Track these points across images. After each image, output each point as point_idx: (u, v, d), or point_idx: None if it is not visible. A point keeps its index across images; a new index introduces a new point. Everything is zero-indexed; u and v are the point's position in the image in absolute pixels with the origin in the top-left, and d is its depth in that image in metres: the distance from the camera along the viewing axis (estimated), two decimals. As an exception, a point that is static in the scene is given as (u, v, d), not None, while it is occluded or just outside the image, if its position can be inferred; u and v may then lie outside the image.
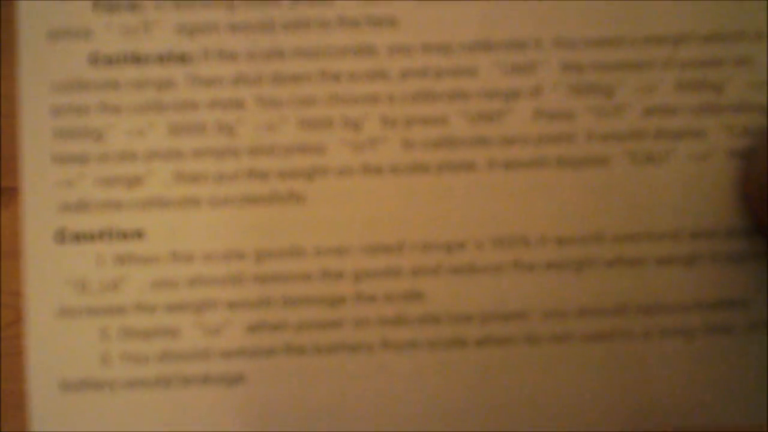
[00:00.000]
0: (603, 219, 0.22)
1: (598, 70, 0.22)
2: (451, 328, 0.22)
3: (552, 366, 0.22)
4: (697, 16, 0.22)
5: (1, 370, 0.23)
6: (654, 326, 0.22)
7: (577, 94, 0.22)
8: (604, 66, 0.22)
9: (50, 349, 0.21)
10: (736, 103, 0.22)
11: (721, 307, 0.22)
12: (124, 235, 0.21)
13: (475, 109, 0.22)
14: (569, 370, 0.22)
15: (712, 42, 0.22)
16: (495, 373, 0.22)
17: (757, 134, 0.22)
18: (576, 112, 0.22)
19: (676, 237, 0.22)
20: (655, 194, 0.22)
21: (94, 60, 0.21)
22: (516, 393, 0.22)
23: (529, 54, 0.22)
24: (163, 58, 0.22)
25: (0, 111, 0.23)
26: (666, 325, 0.22)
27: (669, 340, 0.22)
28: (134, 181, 0.21)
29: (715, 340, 0.22)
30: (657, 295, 0.22)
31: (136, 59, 0.21)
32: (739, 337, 0.22)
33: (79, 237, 0.21)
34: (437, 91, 0.22)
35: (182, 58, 0.22)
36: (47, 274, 0.21)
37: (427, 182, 0.22)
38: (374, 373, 0.22)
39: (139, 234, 0.22)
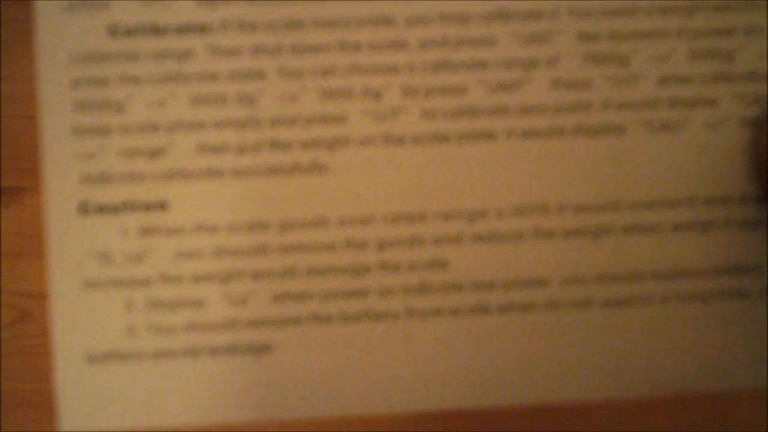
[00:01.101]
0: (620, 186, 0.24)
1: (613, 39, 0.23)
2: (474, 295, 0.23)
3: (572, 331, 0.23)
4: None
5: (2, 370, 0.24)
6: (671, 291, 0.24)
7: (593, 63, 0.23)
8: (619, 35, 0.24)
9: (75, 321, 0.23)
10: (747, 72, 0.24)
11: (735, 273, 0.24)
12: (147, 207, 0.23)
13: (494, 79, 0.23)
14: (589, 336, 0.24)
15: (723, 11, 0.24)
16: (517, 339, 0.23)
17: (766, 103, 0.24)
18: (592, 81, 0.23)
19: (691, 203, 0.24)
20: (670, 162, 0.24)
21: (113, 31, 0.23)
22: (538, 359, 0.23)
23: (546, 23, 0.23)
24: (182, 29, 0.23)
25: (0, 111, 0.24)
26: (682, 290, 0.24)
27: (685, 304, 0.24)
28: (156, 153, 0.23)
29: (730, 304, 0.24)
30: (673, 261, 0.24)
31: (156, 30, 0.23)
32: (752, 302, 0.24)
33: (102, 209, 0.23)
34: (456, 61, 0.23)
35: (202, 29, 0.23)
36: (71, 246, 0.22)
37: (448, 152, 0.23)
38: (399, 341, 0.23)
39: (162, 205, 0.23)
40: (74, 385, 0.23)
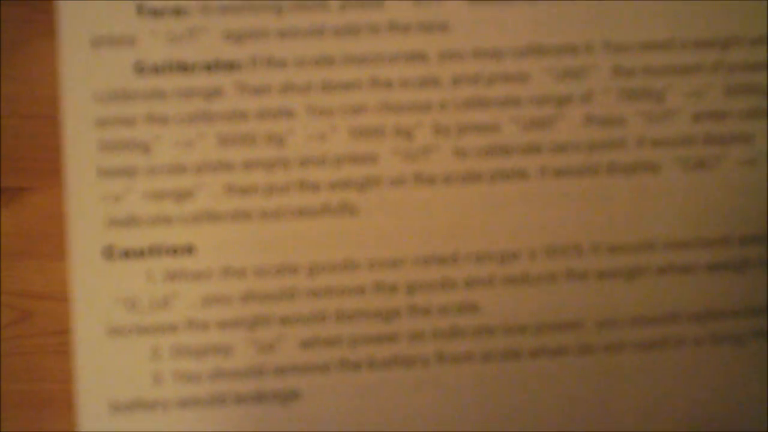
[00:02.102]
0: (654, 226, 0.26)
1: (648, 74, 0.26)
2: (506, 339, 0.25)
3: (606, 375, 0.26)
4: (746, 19, 0.26)
5: (2, 370, 0.26)
6: (705, 333, 0.26)
7: (628, 99, 0.25)
8: (654, 70, 0.26)
9: (100, 369, 0.24)
10: None
11: None
12: (174, 251, 0.24)
13: (527, 116, 0.25)
14: (623, 379, 0.26)
15: (759, 44, 0.26)
16: (550, 383, 0.26)
17: None
18: (626, 117, 0.25)
19: (726, 243, 0.26)
20: (704, 200, 0.26)
21: (140, 69, 0.24)
22: (571, 403, 0.26)
23: (580, 58, 0.25)
24: (210, 66, 0.24)
25: (0, 112, 0.26)
26: (717, 331, 0.26)
27: (720, 346, 0.26)
28: (183, 195, 0.24)
29: (765, 344, 0.26)
30: (707, 302, 0.26)
31: (183, 67, 0.24)
32: None
33: (128, 253, 0.24)
34: (489, 98, 0.25)
35: (230, 66, 0.25)
36: (95, 292, 0.24)
37: (480, 191, 0.25)
38: (430, 387, 0.25)
39: (189, 249, 0.25)
40: (99, 433, 0.24)
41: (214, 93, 0.25)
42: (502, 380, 0.26)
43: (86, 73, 0.24)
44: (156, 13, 0.25)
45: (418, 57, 0.25)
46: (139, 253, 0.25)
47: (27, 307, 0.26)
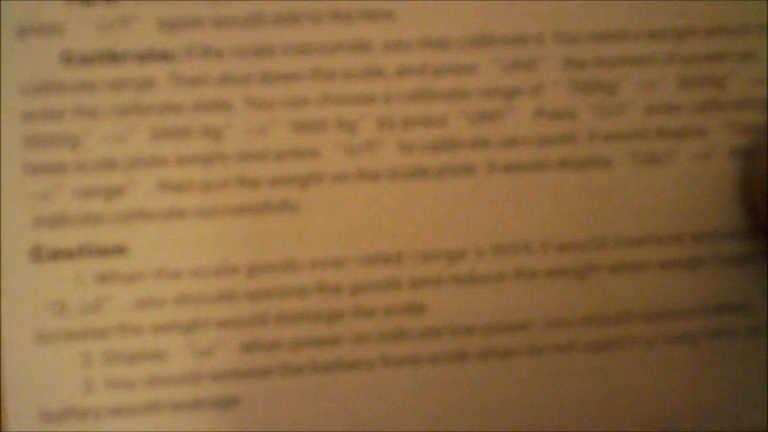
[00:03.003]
0: (605, 223, 0.27)
1: (600, 66, 0.27)
2: (453, 341, 0.27)
3: (555, 377, 0.27)
4: (700, 9, 0.27)
5: (1, 369, 0.26)
6: (657, 333, 0.28)
7: (579, 91, 0.27)
8: (606, 62, 0.27)
9: (29, 376, 0.25)
10: (738, 100, 0.28)
11: (724, 312, 0.28)
12: (105, 252, 0.25)
13: (475, 109, 0.27)
14: (573, 381, 0.27)
15: (715, 35, 0.28)
16: (498, 386, 0.27)
17: (759, 132, 0.28)
18: (578, 110, 0.27)
19: (679, 240, 0.28)
20: (657, 196, 0.27)
21: (68, 59, 0.25)
22: (519, 406, 0.27)
23: (530, 49, 0.27)
24: (143, 57, 0.25)
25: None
26: (669, 331, 0.28)
27: (672, 346, 0.28)
28: (115, 192, 0.25)
29: (719, 344, 0.28)
30: (660, 301, 0.28)
31: (114, 58, 0.25)
32: (741, 341, 0.28)
33: (56, 254, 0.25)
34: (436, 90, 0.26)
35: (164, 56, 0.25)
36: (23, 295, 0.25)
37: (426, 187, 0.26)
38: (375, 391, 0.26)
39: (121, 250, 0.25)
40: (28, 445, 0.24)
41: (146, 84, 0.25)
42: (450, 383, 0.27)
43: (10, 63, 0.25)
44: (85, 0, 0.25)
45: (361, 47, 0.26)
46: (69, 254, 0.25)
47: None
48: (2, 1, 0.25)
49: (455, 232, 0.27)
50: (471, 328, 0.27)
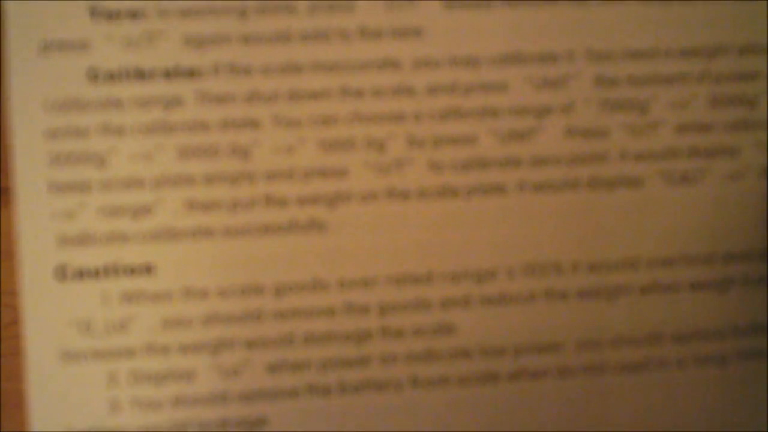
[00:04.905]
0: (636, 243, 0.24)
1: (631, 84, 0.24)
2: (483, 362, 0.24)
3: (586, 398, 0.24)
4: (732, 28, 0.24)
5: (2, 369, 0.24)
6: (688, 354, 0.24)
7: (610, 110, 0.24)
8: (637, 80, 0.24)
9: (54, 396, 0.22)
10: None
11: (755, 332, 0.24)
12: (131, 271, 0.22)
13: (506, 128, 0.23)
14: (604, 402, 0.24)
15: (747, 54, 0.24)
16: (528, 407, 0.24)
17: None
18: (609, 129, 0.24)
19: (709, 261, 0.24)
20: (688, 216, 0.24)
21: (93, 76, 0.22)
22: (550, 428, 0.24)
23: (561, 67, 0.23)
24: (169, 74, 0.22)
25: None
26: (700, 352, 0.24)
27: (703, 367, 0.24)
28: (141, 211, 0.22)
29: (749, 365, 0.24)
30: (690, 322, 0.24)
31: (140, 75, 0.22)
32: None
33: (81, 273, 0.22)
34: (466, 108, 0.23)
35: (191, 73, 0.22)
36: (48, 314, 0.22)
37: (456, 207, 0.23)
38: (403, 412, 0.23)
39: (147, 269, 0.22)
40: (53, 465, 0.22)
41: (173, 102, 0.22)
42: (480, 405, 0.24)
43: (35, 80, 0.22)
44: (111, 15, 0.22)
45: (390, 64, 0.23)
46: (94, 273, 0.22)
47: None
48: (25, 18, 0.22)
49: (485, 251, 0.24)
50: (501, 349, 0.24)
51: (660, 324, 0.24)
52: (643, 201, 0.24)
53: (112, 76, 0.22)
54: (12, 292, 0.24)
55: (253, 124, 0.23)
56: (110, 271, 0.22)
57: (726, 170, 0.24)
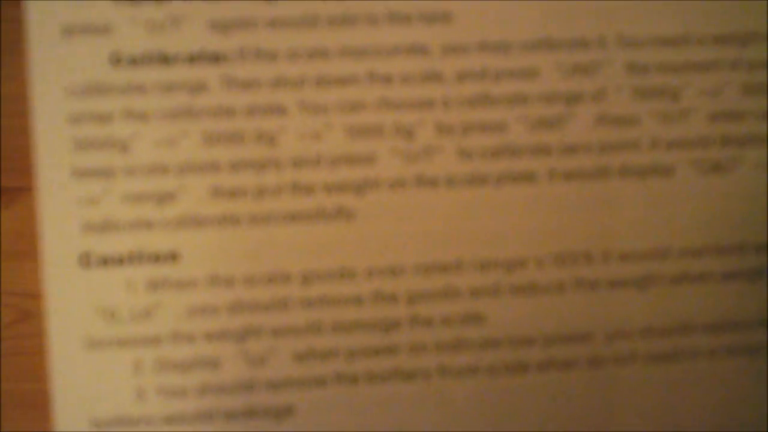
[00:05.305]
0: (667, 232, 0.23)
1: (663, 71, 0.23)
2: (512, 352, 0.23)
3: (616, 389, 0.23)
4: (766, 15, 0.23)
5: (2, 369, 0.23)
6: (719, 345, 0.23)
7: (642, 97, 0.23)
8: (669, 67, 0.23)
9: (79, 384, 0.21)
10: None
11: None
12: (156, 258, 0.22)
13: (536, 115, 0.22)
14: (634, 393, 0.23)
15: None
16: (558, 398, 0.23)
17: None
18: (640, 117, 0.23)
19: (741, 250, 0.23)
20: (720, 205, 0.23)
21: (117, 60, 0.21)
22: (580, 418, 0.23)
23: (592, 54, 0.22)
24: (194, 58, 0.21)
25: (0, 110, 0.23)
26: (731, 343, 0.23)
27: (734, 358, 0.23)
28: (166, 198, 0.21)
29: None
30: (722, 313, 0.23)
31: (164, 59, 0.21)
32: None
33: (106, 261, 0.21)
34: (495, 95, 0.22)
35: (216, 58, 0.21)
36: (72, 302, 0.21)
37: (485, 195, 0.22)
38: (432, 402, 0.23)
39: (173, 256, 0.22)
40: (78, 454, 0.22)
41: (198, 87, 0.22)
42: (509, 395, 0.23)
43: (57, 65, 0.21)
44: (135, -1, 0.21)
45: (419, 50, 0.22)
46: (119, 261, 0.22)
47: (27, 307, 0.23)
48: (47, 0, 0.21)
49: (515, 240, 0.23)
50: (531, 339, 0.23)
51: (691, 314, 0.23)
52: (674, 190, 0.23)
53: (135, 61, 0.21)
54: (12, 293, 0.23)
55: (279, 109, 0.22)
56: (135, 258, 0.22)
57: (758, 159, 0.23)
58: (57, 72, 0.21)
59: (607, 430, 0.23)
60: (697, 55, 0.23)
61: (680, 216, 0.23)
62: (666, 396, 0.23)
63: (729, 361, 0.23)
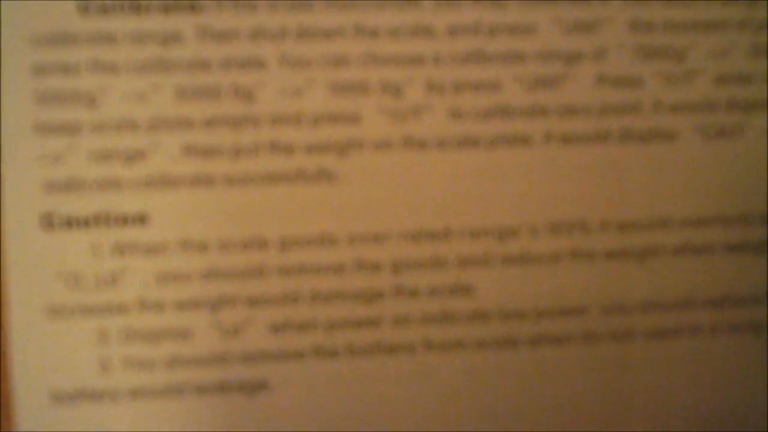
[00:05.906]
0: (669, 201, 0.22)
1: (668, 30, 0.22)
2: (502, 325, 0.22)
3: (613, 367, 0.22)
4: None
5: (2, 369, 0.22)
6: (722, 320, 0.22)
7: (645, 57, 0.22)
8: (674, 26, 0.22)
9: (39, 353, 0.20)
10: None
11: None
12: (124, 220, 0.20)
13: (532, 74, 0.21)
14: (632, 371, 0.22)
15: None
16: (550, 375, 0.22)
17: None
18: (643, 78, 0.22)
19: (746, 221, 0.22)
20: (725, 173, 0.22)
21: (85, 8, 0.20)
22: (573, 397, 0.22)
23: (593, 10, 0.21)
24: (168, 8, 0.20)
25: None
26: (735, 318, 0.22)
27: (737, 334, 0.22)
28: (135, 156, 0.20)
29: None
30: (726, 287, 0.22)
31: (136, 8, 0.20)
32: None
33: (70, 222, 0.20)
34: (489, 52, 0.21)
35: (191, 7, 0.20)
36: (33, 266, 0.20)
37: (477, 158, 0.21)
38: (416, 378, 0.22)
39: (142, 218, 0.21)
40: (38, 427, 0.21)
41: (171, 38, 0.20)
42: (498, 371, 0.22)
43: (21, 12, 0.20)
44: (104, -58, 0.20)
45: (408, 2, 0.21)
46: (84, 222, 0.20)
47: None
48: None
49: (507, 207, 0.22)
50: (522, 312, 0.22)
51: (692, 288, 0.23)
52: (676, 156, 0.22)
53: (105, 9, 0.20)
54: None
55: (258, 63, 0.21)
56: (101, 220, 0.20)
57: (765, 125, 0.22)
58: (21, 20, 0.20)
59: (601, 410, 0.22)
60: (704, 13, 0.22)
61: (683, 184, 0.22)
62: (667, 374, 0.23)
63: (731, 337, 0.23)
